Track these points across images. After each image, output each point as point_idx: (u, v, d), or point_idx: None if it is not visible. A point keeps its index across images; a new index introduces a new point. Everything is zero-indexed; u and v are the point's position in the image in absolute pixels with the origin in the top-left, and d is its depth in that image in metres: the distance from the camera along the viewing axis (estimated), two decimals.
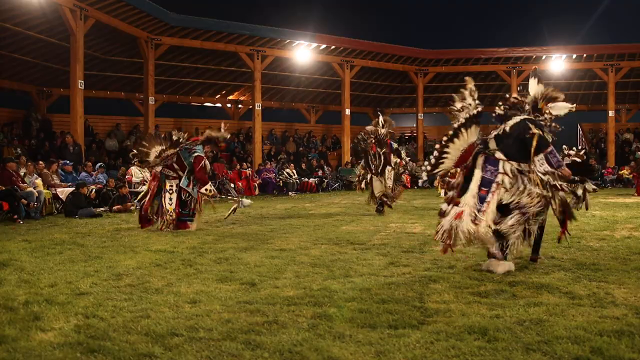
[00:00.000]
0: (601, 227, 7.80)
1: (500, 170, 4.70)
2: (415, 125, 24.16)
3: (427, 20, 38.93)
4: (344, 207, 12.04)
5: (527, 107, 5.00)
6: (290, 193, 17.73)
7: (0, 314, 3.56)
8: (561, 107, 5.06)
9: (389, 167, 10.34)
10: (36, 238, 7.10)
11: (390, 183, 10.31)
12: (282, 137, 23.41)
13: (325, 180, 19.67)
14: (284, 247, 6.28)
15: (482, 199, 4.64)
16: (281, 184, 18.15)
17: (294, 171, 19.11)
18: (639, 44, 21.48)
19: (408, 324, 3.28)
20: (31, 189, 10.11)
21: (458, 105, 4.80)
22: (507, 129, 4.81)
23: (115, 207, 11.13)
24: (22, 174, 10.60)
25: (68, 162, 12.80)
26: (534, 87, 5.12)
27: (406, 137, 25.23)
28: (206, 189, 7.96)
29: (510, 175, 4.68)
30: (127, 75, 19.70)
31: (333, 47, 20.38)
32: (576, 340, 2.97)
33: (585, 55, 21.79)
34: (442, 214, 4.77)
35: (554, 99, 5.03)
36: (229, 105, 23.50)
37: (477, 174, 4.73)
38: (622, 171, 20.03)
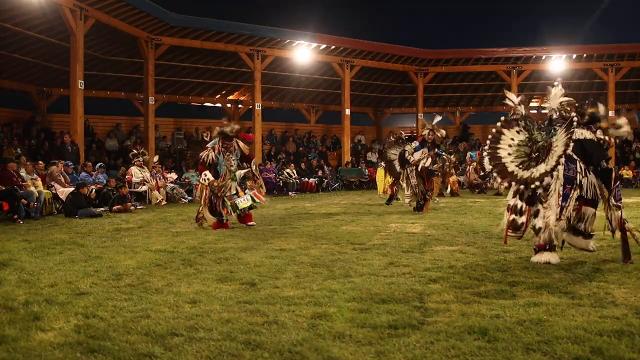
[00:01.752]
0: (601, 226, 7.77)
1: (579, 169, 5.14)
2: (415, 125, 24.15)
3: (427, 20, 38.95)
4: (344, 207, 12.03)
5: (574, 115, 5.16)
6: (290, 193, 17.73)
7: (0, 314, 3.56)
8: (620, 133, 5.47)
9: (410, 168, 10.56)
10: (36, 238, 7.11)
11: (413, 182, 10.50)
12: (282, 137, 23.42)
13: (325, 180, 19.67)
14: (284, 247, 6.28)
15: (565, 197, 5.07)
16: (281, 184, 18.14)
17: (294, 171, 19.11)
18: (639, 44, 21.49)
19: (408, 324, 3.27)
20: (32, 188, 10.12)
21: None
22: (583, 141, 5.18)
23: (115, 207, 11.13)
24: (22, 173, 10.61)
25: (70, 163, 12.74)
26: (601, 108, 5.42)
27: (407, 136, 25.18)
28: (202, 179, 8.32)
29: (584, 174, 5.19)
30: (127, 75, 19.70)
31: (333, 47, 20.38)
32: (576, 340, 2.97)
33: (585, 55, 21.79)
34: (517, 211, 5.20)
35: (620, 127, 5.37)
36: (229, 105, 23.50)
37: (560, 173, 5.06)
38: (622, 171, 20.04)
